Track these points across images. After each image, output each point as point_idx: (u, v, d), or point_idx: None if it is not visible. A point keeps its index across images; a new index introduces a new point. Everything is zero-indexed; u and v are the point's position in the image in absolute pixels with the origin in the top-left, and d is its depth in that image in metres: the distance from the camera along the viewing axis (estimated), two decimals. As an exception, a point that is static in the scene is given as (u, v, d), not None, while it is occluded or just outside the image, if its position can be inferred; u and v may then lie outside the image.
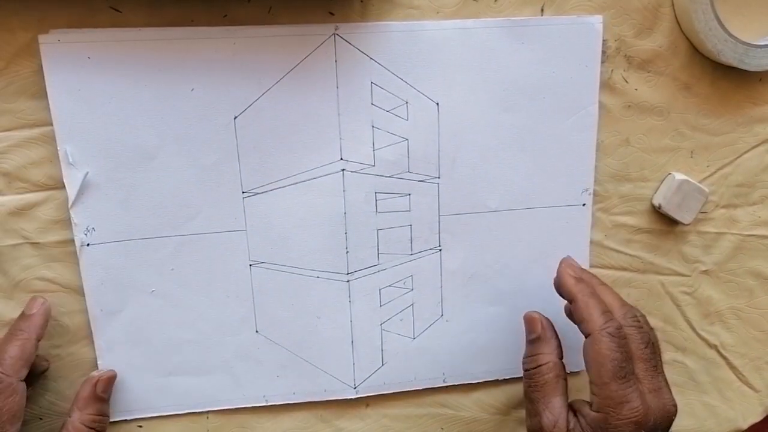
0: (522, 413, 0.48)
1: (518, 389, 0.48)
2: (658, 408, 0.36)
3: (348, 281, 0.43)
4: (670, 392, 0.38)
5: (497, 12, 0.41)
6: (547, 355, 0.39)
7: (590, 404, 0.37)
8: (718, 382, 0.50)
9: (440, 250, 0.44)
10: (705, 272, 0.48)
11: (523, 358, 0.40)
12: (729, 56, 0.42)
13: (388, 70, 0.40)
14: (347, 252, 0.43)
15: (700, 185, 0.45)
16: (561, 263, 0.41)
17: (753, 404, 0.51)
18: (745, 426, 0.51)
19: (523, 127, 0.43)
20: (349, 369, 0.45)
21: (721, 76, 0.45)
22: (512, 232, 0.45)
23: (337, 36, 0.39)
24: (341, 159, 0.41)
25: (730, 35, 0.41)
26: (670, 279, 0.48)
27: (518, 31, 0.41)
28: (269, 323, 0.43)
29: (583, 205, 0.45)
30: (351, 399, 0.45)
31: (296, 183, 0.41)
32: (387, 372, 0.45)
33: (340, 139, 0.41)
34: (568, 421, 0.37)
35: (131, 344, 0.42)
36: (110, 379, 0.41)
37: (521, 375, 0.47)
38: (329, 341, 0.44)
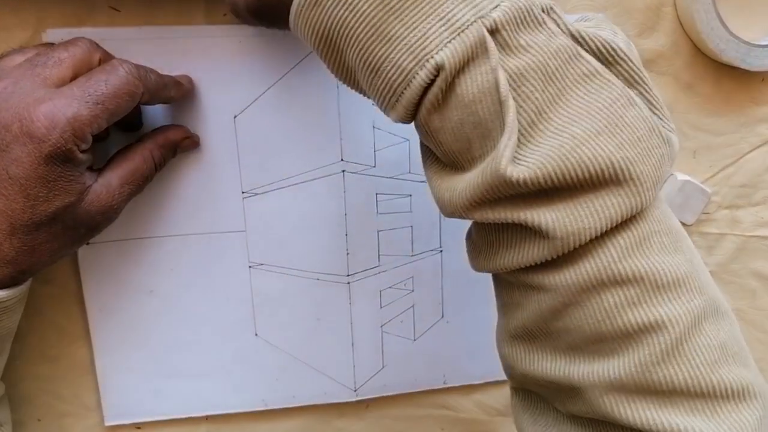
0: (523, 415, 0.48)
1: (519, 391, 0.48)
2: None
3: (348, 283, 0.43)
4: None
5: (498, 11, 0.41)
6: None
7: None
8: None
9: (441, 251, 0.44)
10: (707, 273, 0.48)
11: None
12: (731, 56, 0.42)
13: (389, 70, 0.40)
14: (348, 253, 0.42)
15: (703, 186, 0.45)
16: None
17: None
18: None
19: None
20: (350, 371, 0.44)
21: (724, 76, 0.44)
22: (513, 233, 0.44)
23: (337, 35, 0.39)
24: (342, 160, 0.41)
25: (733, 35, 0.41)
26: (672, 280, 0.48)
27: (520, 31, 0.41)
28: (269, 326, 0.43)
29: (585, 205, 0.45)
30: (351, 401, 0.45)
31: (296, 184, 0.41)
32: (387, 374, 0.45)
33: (341, 139, 0.41)
34: None
35: (129, 345, 0.42)
36: (194, 145, 0.39)
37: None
38: (329, 344, 0.44)
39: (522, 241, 0.28)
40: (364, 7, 0.26)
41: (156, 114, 0.38)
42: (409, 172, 0.42)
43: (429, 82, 0.26)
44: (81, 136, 0.30)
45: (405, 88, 0.27)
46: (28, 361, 0.41)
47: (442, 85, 0.26)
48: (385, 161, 0.42)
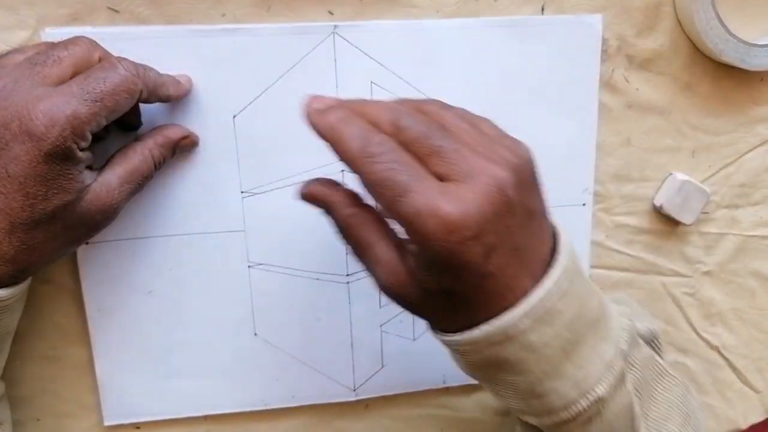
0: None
1: (519, 391, 0.48)
2: (477, 198, 0.27)
3: (347, 283, 0.43)
4: (504, 168, 0.28)
5: (497, 11, 0.41)
6: (343, 211, 0.32)
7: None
8: (718, 383, 0.50)
9: (440, 250, 0.44)
10: (707, 273, 0.48)
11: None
12: (730, 56, 0.42)
13: (388, 70, 0.40)
14: (347, 253, 0.42)
15: (702, 185, 0.45)
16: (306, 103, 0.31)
17: (754, 404, 0.51)
18: (745, 426, 0.51)
19: (523, 126, 0.42)
20: (349, 371, 0.44)
21: (723, 76, 0.45)
22: (513, 233, 0.44)
23: (336, 35, 0.39)
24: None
25: (732, 34, 0.41)
26: (672, 280, 0.48)
27: (518, 31, 0.41)
28: (268, 326, 0.43)
29: (583, 204, 0.45)
30: (350, 400, 0.45)
31: (296, 183, 0.41)
32: (387, 374, 0.45)
33: (340, 138, 0.41)
34: (405, 262, 0.30)
35: (129, 345, 0.42)
36: (194, 144, 0.39)
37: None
38: (329, 343, 0.44)
39: None
40: (548, 352, 0.29)
41: (155, 113, 0.38)
42: (409, 172, 0.42)
43: (586, 408, 0.31)
44: (80, 134, 0.30)
45: (561, 411, 0.31)
46: (27, 361, 0.41)
47: (595, 410, 0.31)
48: (385, 161, 0.42)
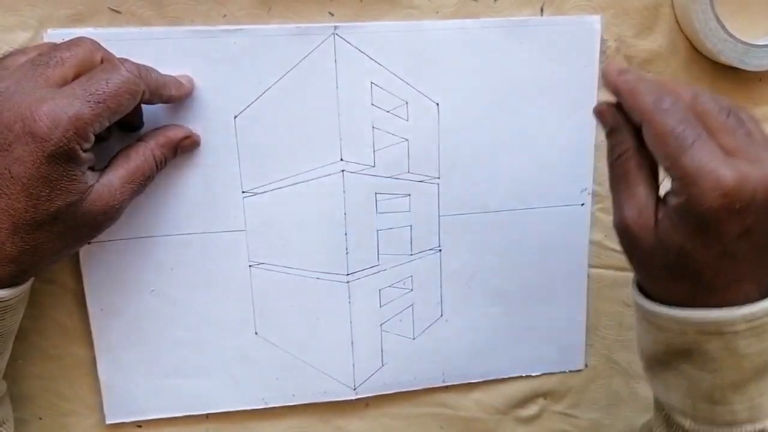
0: (521, 413, 0.48)
1: (517, 389, 0.48)
2: (759, 178, 0.28)
3: (348, 282, 0.43)
4: None
5: (496, 12, 0.41)
6: (623, 144, 0.33)
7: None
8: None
9: (440, 250, 0.44)
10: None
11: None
12: (729, 56, 0.42)
13: (388, 70, 0.40)
14: (347, 253, 0.43)
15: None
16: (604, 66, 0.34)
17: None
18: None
19: (523, 127, 0.43)
20: (349, 370, 0.45)
21: (721, 76, 0.45)
22: (512, 232, 0.45)
23: (336, 36, 0.39)
24: (341, 160, 0.41)
25: (730, 35, 0.41)
26: (670, 279, 0.48)
27: (518, 31, 0.41)
28: (269, 325, 0.43)
29: (582, 204, 0.45)
30: (351, 399, 0.45)
31: (296, 183, 0.41)
32: (387, 372, 0.45)
33: (340, 139, 0.41)
34: (656, 212, 0.31)
35: (131, 344, 0.42)
36: (195, 144, 0.39)
37: (520, 375, 0.47)
38: (329, 342, 0.44)
39: None
40: (745, 365, 0.30)
41: (157, 114, 0.38)
42: (408, 172, 0.42)
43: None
44: (83, 135, 0.30)
45: (724, 426, 0.31)
46: (29, 360, 0.41)
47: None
48: (385, 161, 0.42)
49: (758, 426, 0.31)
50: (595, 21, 0.42)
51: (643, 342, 0.34)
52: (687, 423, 0.33)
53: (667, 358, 0.33)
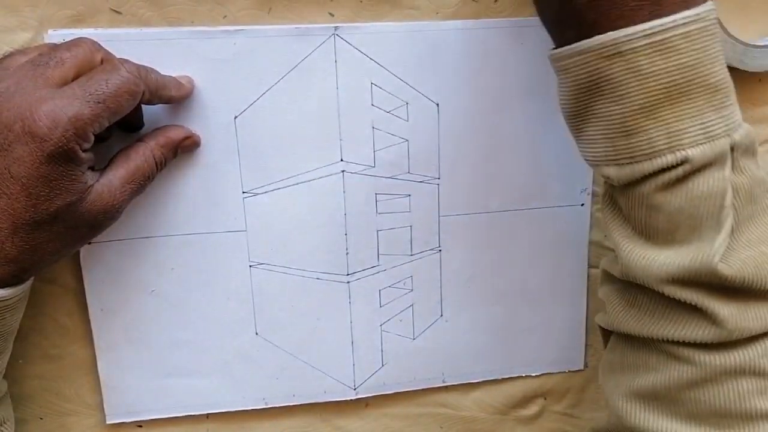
0: (521, 413, 0.48)
1: (517, 389, 0.48)
2: None
3: (348, 282, 0.43)
4: None
5: (497, 12, 0.41)
6: None
7: None
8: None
9: (440, 250, 0.44)
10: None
11: None
12: (728, 56, 0.42)
13: (388, 71, 0.40)
14: (347, 253, 0.43)
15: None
16: None
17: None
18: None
19: (523, 127, 0.43)
20: (349, 370, 0.45)
21: (721, 77, 0.45)
22: (511, 233, 0.45)
23: (336, 36, 0.39)
24: (341, 160, 0.41)
25: (730, 35, 0.41)
26: (670, 279, 0.48)
27: (518, 32, 0.41)
28: (269, 325, 0.43)
29: (582, 205, 0.45)
30: (351, 399, 0.45)
31: (296, 184, 0.41)
32: (387, 372, 0.45)
33: (340, 140, 0.41)
34: None
35: (131, 344, 0.42)
36: (195, 145, 0.39)
37: (520, 375, 0.47)
38: (329, 343, 0.44)
39: (690, 320, 0.31)
40: (652, 84, 0.29)
41: (157, 114, 0.38)
42: (408, 172, 0.42)
43: (669, 166, 0.30)
44: (83, 135, 0.31)
45: (645, 160, 0.30)
46: (30, 360, 0.41)
47: (680, 174, 0.30)
48: (385, 161, 0.42)
49: (679, 155, 0.30)
50: (595, 21, 0.42)
51: (562, 101, 0.34)
52: (611, 170, 0.32)
53: (581, 104, 0.32)
